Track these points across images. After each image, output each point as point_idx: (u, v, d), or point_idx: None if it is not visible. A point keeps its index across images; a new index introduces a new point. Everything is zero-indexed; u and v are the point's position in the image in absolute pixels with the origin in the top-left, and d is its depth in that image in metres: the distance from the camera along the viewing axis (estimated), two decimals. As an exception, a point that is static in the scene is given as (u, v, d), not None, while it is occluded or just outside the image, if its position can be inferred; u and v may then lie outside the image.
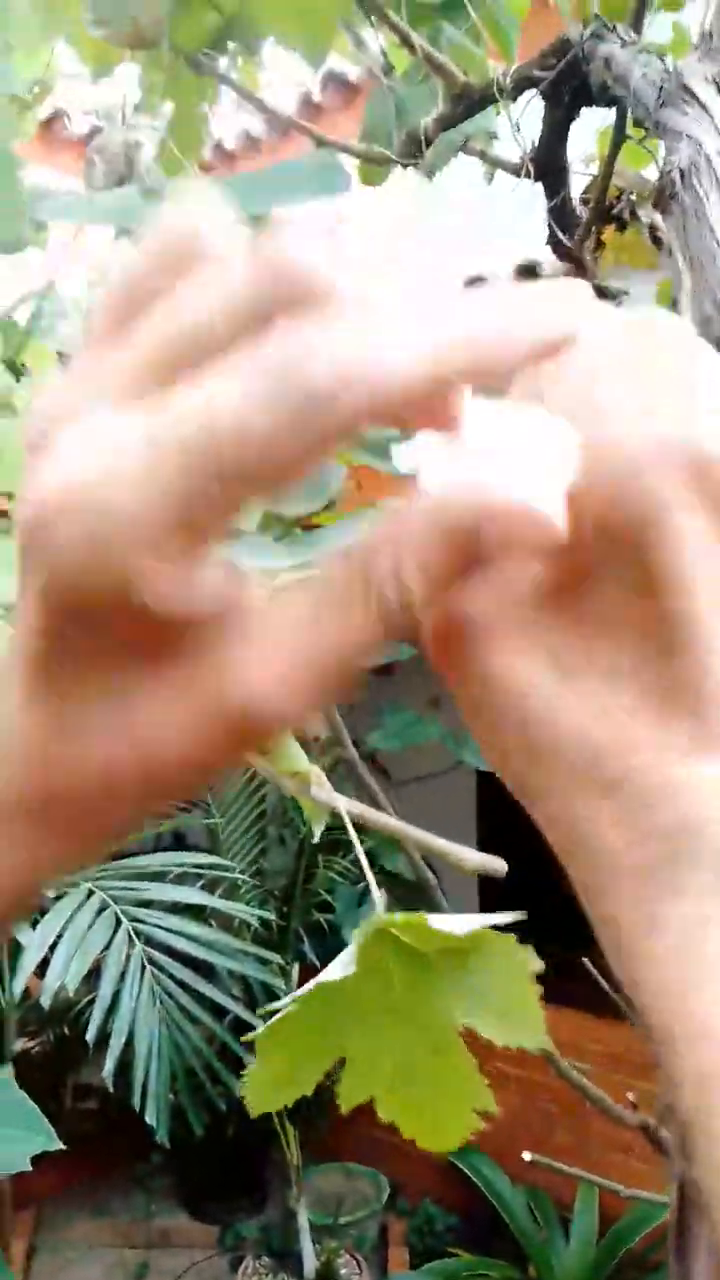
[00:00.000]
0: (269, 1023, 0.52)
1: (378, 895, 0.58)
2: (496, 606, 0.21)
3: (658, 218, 1.35)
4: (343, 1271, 3.00)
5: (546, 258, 1.37)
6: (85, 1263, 3.19)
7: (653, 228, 1.38)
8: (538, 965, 0.50)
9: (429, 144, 1.29)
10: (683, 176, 0.63)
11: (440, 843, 0.64)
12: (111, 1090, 2.08)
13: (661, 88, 0.72)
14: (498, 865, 0.60)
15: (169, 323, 0.18)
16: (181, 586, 0.18)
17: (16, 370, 1.21)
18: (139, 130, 1.34)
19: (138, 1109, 2.07)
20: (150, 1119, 2.07)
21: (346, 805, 0.68)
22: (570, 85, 1.10)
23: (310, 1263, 2.96)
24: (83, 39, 1.26)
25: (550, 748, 0.20)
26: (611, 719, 0.19)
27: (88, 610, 0.18)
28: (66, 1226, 3.33)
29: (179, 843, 3.76)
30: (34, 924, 2.11)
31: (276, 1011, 0.53)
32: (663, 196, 0.66)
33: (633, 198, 1.38)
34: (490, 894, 3.69)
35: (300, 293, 0.17)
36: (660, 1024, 0.18)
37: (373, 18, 1.30)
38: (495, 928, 0.50)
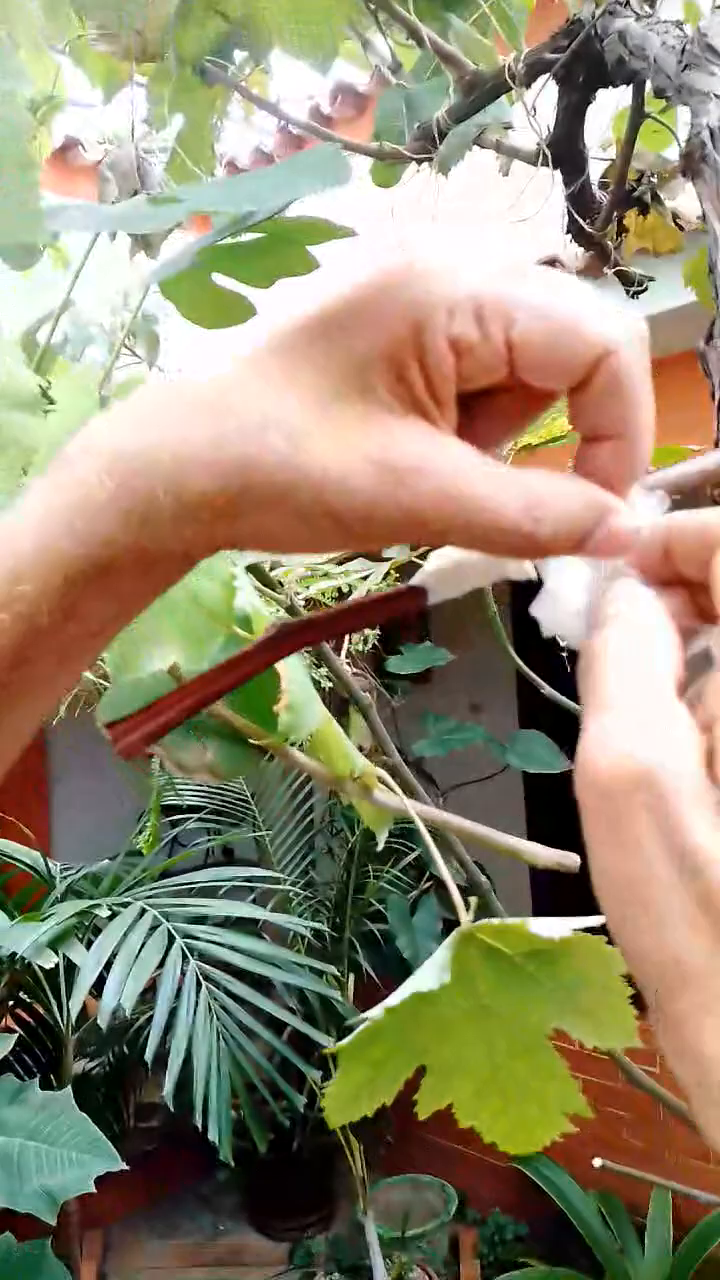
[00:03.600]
0: (353, 1034, 0.52)
1: (460, 903, 0.57)
2: (685, 760, 0.22)
3: (680, 202, 1.32)
4: (415, 1286, 2.97)
5: (567, 248, 1.34)
6: (156, 1283, 3.18)
7: (675, 214, 1.35)
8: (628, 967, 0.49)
9: (442, 138, 1.27)
10: (713, 137, 0.61)
11: (511, 840, 0.62)
12: (173, 1109, 2.07)
13: (684, 50, 0.70)
14: (571, 861, 0.59)
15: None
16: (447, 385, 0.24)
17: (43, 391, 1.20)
18: (150, 146, 1.34)
19: (200, 1127, 2.06)
20: (213, 1136, 2.06)
21: (413, 807, 0.66)
22: (584, 66, 1.08)
23: (381, 1276, 2.93)
24: (89, 58, 1.26)
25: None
26: None
27: (384, 320, 0.23)
28: (135, 1248, 3.32)
29: (228, 857, 3.76)
30: (88, 945, 2.11)
31: (355, 1028, 0.52)
32: (692, 161, 0.64)
33: (654, 180, 1.35)
34: (542, 897, 3.64)
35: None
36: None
37: (380, 16, 1.28)
38: (590, 930, 0.50)
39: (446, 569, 0.35)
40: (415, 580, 0.35)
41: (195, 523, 0.24)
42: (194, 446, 0.24)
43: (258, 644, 0.34)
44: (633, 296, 1.29)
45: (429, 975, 0.50)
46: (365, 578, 1.25)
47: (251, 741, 0.70)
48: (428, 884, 3.16)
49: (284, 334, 0.24)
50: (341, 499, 0.24)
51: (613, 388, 0.24)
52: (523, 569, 0.34)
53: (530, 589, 0.34)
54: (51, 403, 0.74)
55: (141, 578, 0.26)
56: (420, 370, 0.24)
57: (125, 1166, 1.58)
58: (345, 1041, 0.52)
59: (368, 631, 1.98)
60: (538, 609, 0.28)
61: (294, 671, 0.64)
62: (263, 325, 0.26)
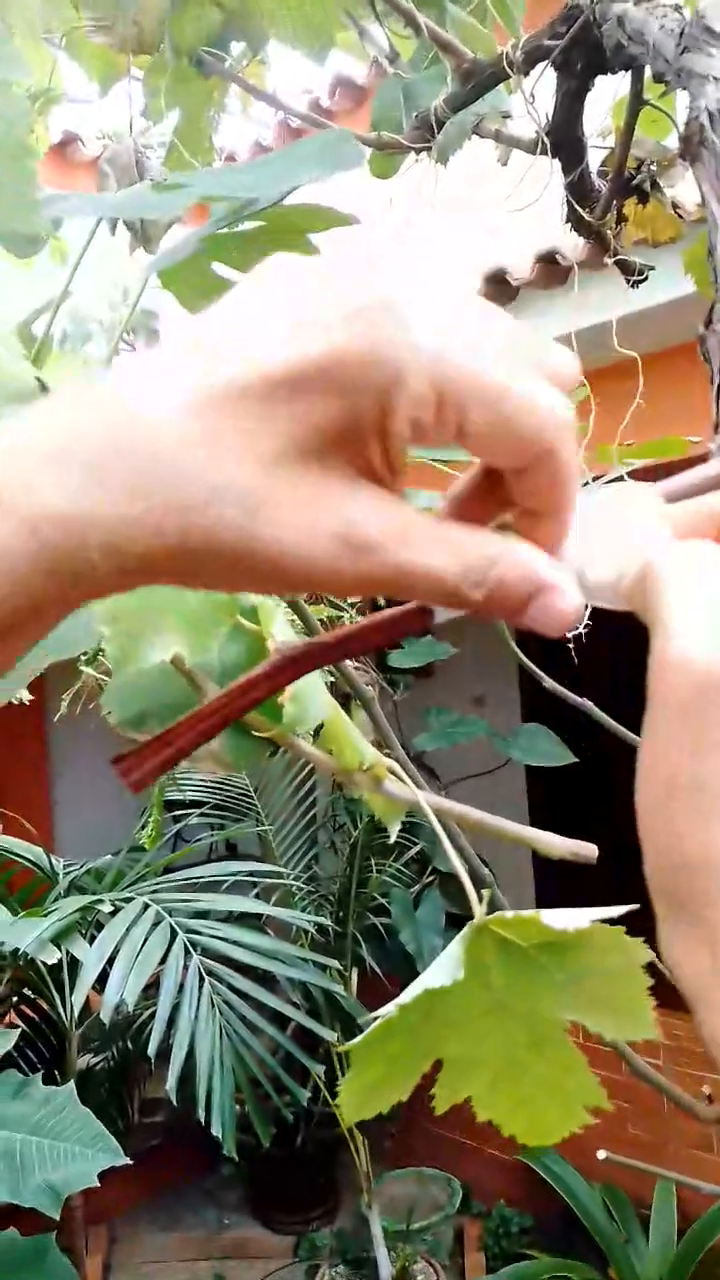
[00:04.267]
0: (366, 1031, 0.52)
1: (473, 895, 0.57)
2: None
3: (679, 190, 1.32)
4: (420, 1278, 2.97)
5: (566, 239, 1.34)
6: (161, 1277, 3.19)
7: (675, 205, 1.35)
8: (648, 957, 0.49)
9: (440, 127, 1.27)
10: (711, 120, 0.60)
11: (523, 830, 0.62)
12: (176, 1104, 2.07)
13: (682, 33, 0.69)
14: (588, 850, 0.58)
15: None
16: (398, 454, 0.24)
17: (41, 382, 1.20)
18: (149, 140, 1.34)
19: (203, 1121, 2.06)
20: (216, 1131, 2.06)
21: (425, 798, 0.66)
22: (583, 52, 1.08)
23: (386, 1269, 2.93)
24: (85, 50, 1.25)
25: None
26: None
27: (360, 389, 0.23)
28: (140, 1242, 3.34)
29: (231, 852, 3.76)
30: (91, 940, 2.12)
31: (358, 1021, 0.52)
32: (690, 144, 0.63)
33: (653, 167, 1.35)
34: (547, 890, 3.64)
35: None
36: None
37: (376, 4, 1.28)
38: (606, 921, 0.49)
39: None
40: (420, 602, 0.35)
41: (135, 577, 0.24)
42: (135, 514, 0.22)
43: (266, 670, 0.35)
44: (633, 285, 1.29)
45: (442, 971, 0.50)
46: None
47: (257, 733, 0.70)
48: (431, 878, 3.16)
49: (239, 386, 0.23)
50: (299, 570, 0.24)
51: (548, 478, 0.25)
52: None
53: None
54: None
55: (67, 609, 0.25)
56: (378, 444, 0.24)
57: (128, 1161, 1.58)
58: (358, 1039, 0.52)
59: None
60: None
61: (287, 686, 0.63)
62: (206, 361, 0.23)
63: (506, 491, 0.26)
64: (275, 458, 0.23)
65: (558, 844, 0.65)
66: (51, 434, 0.23)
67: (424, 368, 0.23)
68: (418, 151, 1.25)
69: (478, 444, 0.24)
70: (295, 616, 0.86)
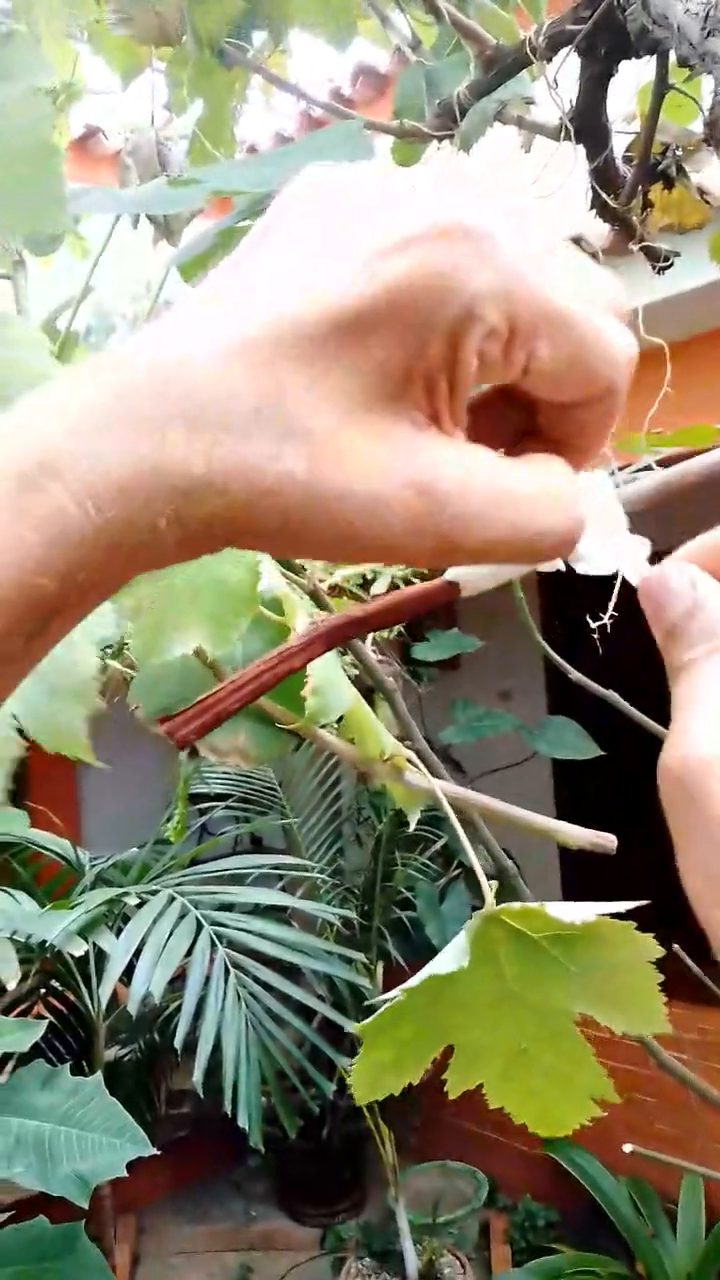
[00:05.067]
0: (376, 1013, 0.52)
1: (485, 886, 0.57)
2: None
3: (706, 175, 1.30)
4: (446, 1271, 2.97)
5: (592, 225, 1.32)
6: (188, 1268, 3.21)
7: (701, 190, 1.33)
8: (658, 952, 0.49)
9: (463, 115, 1.26)
10: (736, 101, 0.59)
11: (545, 821, 0.62)
12: (203, 1096, 2.08)
13: (707, 17, 0.68)
14: (608, 841, 0.58)
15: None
16: (463, 390, 0.22)
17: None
18: (170, 133, 1.33)
19: (229, 1113, 2.07)
20: (242, 1123, 2.07)
21: (444, 788, 0.66)
22: (607, 37, 1.06)
23: (412, 1262, 2.94)
24: (108, 43, 1.25)
25: None
26: None
27: (426, 324, 0.21)
28: (168, 1233, 3.36)
29: (256, 845, 3.78)
30: (117, 933, 2.13)
31: (377, 1007, 0.53)
32: (716, 128, 0.62)
33: (679, 153, 1.33)
34: (573, 884, 3.63)
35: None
36: None
37: (398, -8, 1.27)
38: (615, 915, 0.49)
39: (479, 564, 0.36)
40: (449, 574, 0.36)
41: (198, 544, 0.22)
42: (198, 474, 0.20)
43: (301, 641, 0.35)
44: (659, 272, 1.27)
45: (449, 958, 0.50)
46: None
47: (281, 725, 0.70)
48: (456, 871, 3.16)
49: (307, 323, 0.20)
50: (372, 530, 0.22)
51: (601, 415, 0.24)
52: (554, 564, 0.36)
53: (557, 577, 0.35)
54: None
55: (117, 586, 0.23)
56: (446, 382, 0.22)
57: (156, 1151, 1.59)
58: (367, 1021, 0.53)
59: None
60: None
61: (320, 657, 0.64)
62: (249, 304, 0.21)
63: (530, 419, 0.25)
64: (342, 405, 0.21)
65: (577, 834, 0.65)
66: (93, 400, 0.21)
67: (499, 296, 0.21)
68: (440, 139, 1.24)
69: (542, 379, 0.23)
70: (316, 610, 0.86)
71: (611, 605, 1.05)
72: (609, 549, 0.29)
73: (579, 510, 0.24)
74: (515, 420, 0.25)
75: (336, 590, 1.14)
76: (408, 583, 1.22)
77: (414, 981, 0.50)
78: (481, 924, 0.52)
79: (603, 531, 0.28)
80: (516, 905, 0.52)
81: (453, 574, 0.36)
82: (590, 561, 0.28)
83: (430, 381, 0.22)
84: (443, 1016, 0.55)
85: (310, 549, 0.22)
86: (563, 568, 0.39)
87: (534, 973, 0.53)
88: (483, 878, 0.59)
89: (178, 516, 0.21)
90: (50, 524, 0.20)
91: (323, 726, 0.71)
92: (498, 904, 0.54)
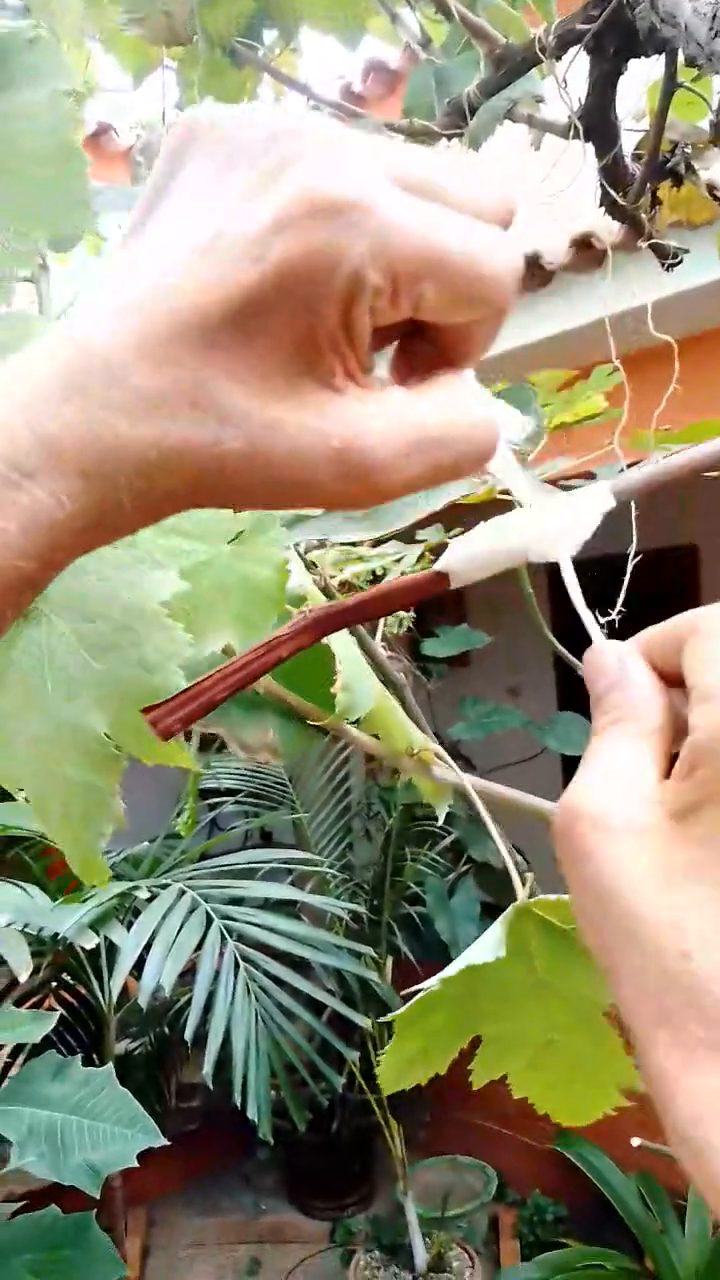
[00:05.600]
0: (408, 1004, 0.53)
1: (516, 877, 0.58)
2: (621, 804, 0.26)
3: (715, 172, 1.30)
4: (455, 1264, 2.98)
5: (600, 223, 1.33)
6: (198, 1260, 3.23)
7: (710, 185, 1.33)
8: None
9: (473, 113, 1.26)
10: (742, 100, 0.59)
11: None
12: (213, 1089, 2.10)
13: (715, 16, 0.69)
14: None
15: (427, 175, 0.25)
16: (364, 336, 0.24)
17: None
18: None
19: (239, 1106, 2.08)
20: (252, 1115, 2.08)
21: (471, 782, 0.67)
22: (615, 36, 1.07)
23: (421, 1256, 2.95)
24: (120, 43, 1.26)
25: (637, 941, 0.24)
26: (687, 929, 0.23)
27: (322, 294, 0.23)
28: (178, 1225, 3.38)
29: (266, 840, 3.79)
30: (128, 926, 2.14)
31: (390, 1001, 0.54)
32: (721, 127, 0.62)
33: (687, 150, 1.33)
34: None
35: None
36: (688, 1149, 0.24)
37: (408, -10, 1.27)
38: None
39: (471, 554, 0.37)
40: (439, 565, 0.37)
41: (155, 514, 0.25)
42: (151, 457, 0.23)
43: (289, 630, 0.36)
44: (667, 269, 1.28)
45: (484, 948, 0.51)
46: (399, 560, 1.25)
47: (310, 722, 0.71)
48: (466, 867, 3.16)
49: (211, 316, 0.23)
50: (308, 486, 0.24)
51: (490, 326, 0.26)
52: (545, 553, 0.38)
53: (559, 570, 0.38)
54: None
55: (89, 550, 0.26)
56: (345, 339, 0.24)
57: (166, 1142, 1.60)
58: (402, 1010, 0.54)
59: (402, 614, 1.98)
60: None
61: (346, 651, 0.65)
62: (161, 285, 0.23)
63: (421, 332, 0.27)
64: (262, 383, 0.23)
65: None
66: (48, 392, 0.23)
67: (378, 259, 0.23)
68: (450, 138, 1.25)
69: (432, 312, 0.25)
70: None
71: (620, 600, 1.05)
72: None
73: (490, 426, 0.26)
74: (405, 332, 0.27)
75: (346, 586, 1.15)
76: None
77: (449, 972, 0.51)
78: (514, 916, 0.53)
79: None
80: (551, 897, 0.53)
81: (442, 565, 0.37)
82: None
83: (334, 344, 0.24)
84: (473, 1007, 0.56)
85: (255, 505, 0.26)
86: (559, 560, 0.40)
87: (563, 963, 0.54)
88: (514, 871, 0.60)
89: (137, 495, 0.24)
90: (27, 515, 0.23)
91: (352, 723, 0.72)
92: (504, 898, 0.55)
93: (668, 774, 0.26)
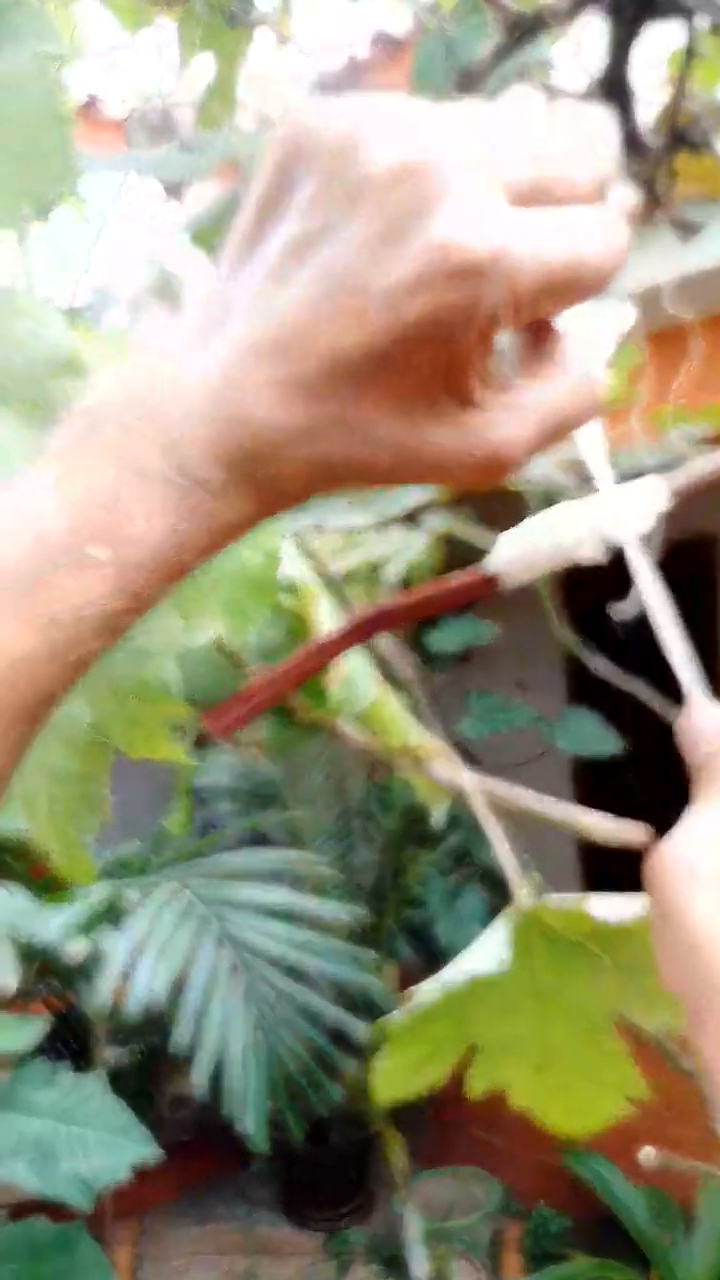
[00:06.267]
0: (405, 1011, 0.53)
1: (516, 883, 0.56)
2: (713, 859, 0.28)
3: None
4: (456, 1277, 2.95)
5: (617, 190, 1.28)
6: (191, 1272, 3.19)
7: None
8: None
9: (483, 80, 1.22)
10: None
11: (571, 812, 0.61)
12: (208, 1100, 2.05)
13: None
14: (635, 833, 0.56)
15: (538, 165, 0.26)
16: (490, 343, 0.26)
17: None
18: (177, 99, 1.30)
19: (233, 1115, 2.03)
20: (249, 1129, 2.03)
21: (472, 781, 0.64)
22: (635, -7, 1.02)
23: (421, 1268, 2.91)
24: (116, 2, 1.22)
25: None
26: None
27: (456, 334, 0.25)
28: (170, 1236, 3.34)
29: (262, 841, 3.73)
30: (118, 927, 2.09)
31: (387, 1008, 0.52)
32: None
33: (708, 120, 1.30)
34: (593, 883, 3.58)
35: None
36: None
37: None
38: None
39: (519, 555, 0.37)
40: (489, 567, 0.38)
41: (310, 498, 0.28)
42: (312, 470, 0.26)
43: (339, 632, 0.38)
44: (684, 241, 1.24)
45: (487, 956, 0.50)
46: (402, 550, 1.22)
47: (302, 717, 0.71)
48: (471, 870, 3.12)
49: (355, 361, 0.25)
50: (443, 481, 0.29)
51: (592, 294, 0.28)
52: (596, 554, 0.38)
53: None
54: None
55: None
56: (480, 360, 0.26)
57: (160, 1151, 1.55)
58: (398, 1019, 0.52)
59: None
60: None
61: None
62: (301, 327, 0.25)
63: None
64: (404, 407, 0.26)
65: (602, 826, 0.63)
66: (210, 437, 0.26)
67: (510, 302, 0.25)
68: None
69: (549, 312, 0.27)
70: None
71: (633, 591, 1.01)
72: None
73: (592, 380, 0.29)
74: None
75: (350, 576, 1.11)
76: (435, 572, 1.19)
77: (451, 978, 0.50)
78: (515, 921, 0.52)
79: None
80: (554, 901, 0.52)
81: (492, 566, 0.37)
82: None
83: (469, 366, 0.26)
84: (473, 1015, 0.54)
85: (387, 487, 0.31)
86: (600, 561, 0.38)
87: (568, 969, 0.53)
88: (513, 874, 0.57)
89: (295, 498, 0.28)
90: (200, 519, 0.26)
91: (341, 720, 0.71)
92: (510, 902, 0.54)
93: None
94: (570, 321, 0.30)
